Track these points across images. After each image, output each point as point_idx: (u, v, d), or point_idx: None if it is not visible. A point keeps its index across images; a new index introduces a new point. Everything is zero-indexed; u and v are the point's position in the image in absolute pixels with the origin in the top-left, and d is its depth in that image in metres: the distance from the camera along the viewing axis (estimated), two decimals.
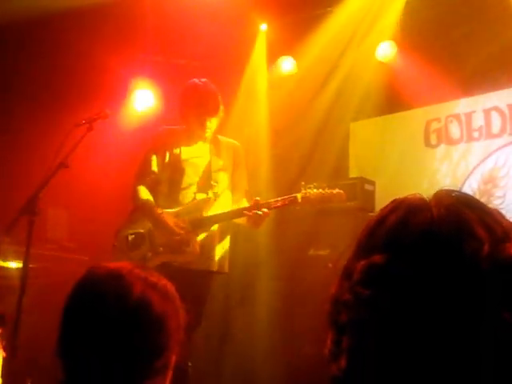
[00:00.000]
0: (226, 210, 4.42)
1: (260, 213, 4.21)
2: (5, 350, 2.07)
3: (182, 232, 4.29)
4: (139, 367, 1.55)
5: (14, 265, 4.68)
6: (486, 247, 0.84)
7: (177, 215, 4.34)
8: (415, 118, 6.05)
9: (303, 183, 4.31)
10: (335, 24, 6.06)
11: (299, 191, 4.28)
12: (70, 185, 4.75)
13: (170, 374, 1.65)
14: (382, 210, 0.94)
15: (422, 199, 0.92)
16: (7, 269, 4.62)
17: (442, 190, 0.93)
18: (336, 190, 4.32)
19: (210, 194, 4.41)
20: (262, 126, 6.42)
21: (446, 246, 0.84)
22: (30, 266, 3.69)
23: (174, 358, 1.65)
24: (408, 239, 0.86)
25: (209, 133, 4.50)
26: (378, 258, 0.86)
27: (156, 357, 1.58)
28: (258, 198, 4.28)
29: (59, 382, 1.58)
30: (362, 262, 0.88)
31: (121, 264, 1.67)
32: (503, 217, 0.91)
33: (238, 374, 5.61)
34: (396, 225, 0.89)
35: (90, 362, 1.54)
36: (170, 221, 4.31)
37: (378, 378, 0.82)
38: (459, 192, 0.94)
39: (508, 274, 0.83)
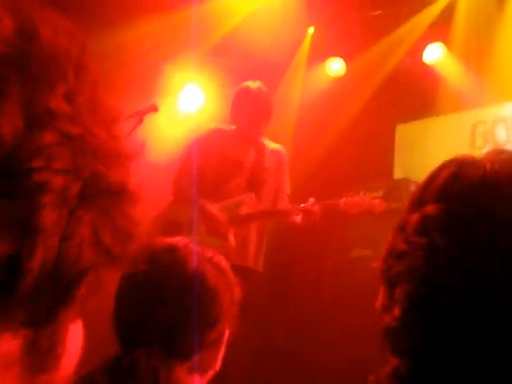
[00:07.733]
0: (266, 209, 4.50)
1: (311, 212, 4.28)
2: None
3: (224, 219, 4.35)
4: (193, 338, 1.57)
5: None
6: None
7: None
8: (462, 121, 6.00)
9: (346, 191, 4.42)
10: (384, 26, 6.07)
11: (341, 197, 4.37)
12: None
13: (222, 349, 1.67)
14: (433, 169, 0.98)
15: (473, 157, 0.95)
16: None
17: (493, 151, 0.96)
18: (377, 199, 4.39)
19: (252, 194, 4.46)
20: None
21: (498, 197, 0.87)
22: None
23: (227, 333, 1.67)
24: (461, 189, 0.89)
25: (260, 137, 4.58)
26: (430, 209, 0.90)
27: (209, 328, 1.60)
28: (312, 199, 4.34)
29: (116, 355, 1.56)
30: (416, 215, 0.91)
31: (177, 238, 1.70)
32: None
33: None
34: (448, 177, 0.92)
35: (145, 333, 1.56)
36: (213, 209, 4.37)
37: (432, 321, 0.86)
38: (510, 153, 0.96)
39: None
